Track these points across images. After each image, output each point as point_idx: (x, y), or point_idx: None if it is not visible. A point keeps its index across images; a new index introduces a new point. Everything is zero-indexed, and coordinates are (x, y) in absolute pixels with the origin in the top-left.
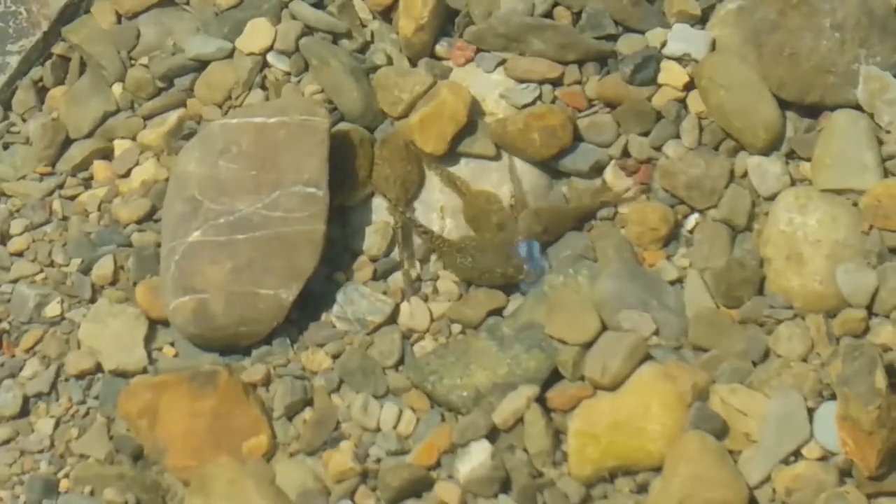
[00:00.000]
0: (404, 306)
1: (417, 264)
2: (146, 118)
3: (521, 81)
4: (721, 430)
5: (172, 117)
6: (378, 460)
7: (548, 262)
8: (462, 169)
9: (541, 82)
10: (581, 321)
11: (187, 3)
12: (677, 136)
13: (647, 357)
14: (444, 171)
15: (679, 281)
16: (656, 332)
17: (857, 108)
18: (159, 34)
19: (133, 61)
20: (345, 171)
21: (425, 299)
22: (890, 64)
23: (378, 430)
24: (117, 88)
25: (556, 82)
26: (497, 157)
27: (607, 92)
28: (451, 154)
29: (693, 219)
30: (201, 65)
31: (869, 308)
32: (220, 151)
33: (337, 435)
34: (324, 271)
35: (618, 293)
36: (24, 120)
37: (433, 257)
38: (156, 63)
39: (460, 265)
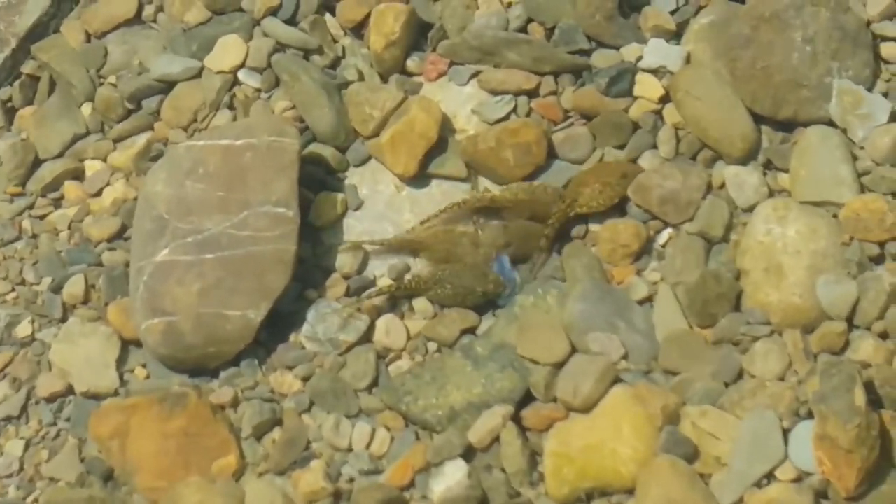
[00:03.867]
0: (380, 323)
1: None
2: (116, 141)
3: (496, 93)
4: (692, 455)
5: (141, 140)
6: (350, 480)
7: (519, 275)
8: (433, 190)
9: (516, 94)
10: (551, 342)
11: (155, 22)
12: (654, 147)
13: (618, 380)
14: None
15: (649, 299)
16: (625, 357)
17: (830, 124)
18: (126, 53)
19: (102, 80)
20: None
21: (401, 317)
22: (862, 78)
23: (350, 449)
24: (87, 108)
25: (532, 93)
26: (468, 179)
27: (583, 102)
28: (422, 175)
29: (666, 233)
30: (168, 85)
31: (849, 320)
32: (187, 172)
33: (307, 454)
34: (295, 290)
35: (586, 315)
36: None
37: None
38: (123, 83)
39: (441, 295)
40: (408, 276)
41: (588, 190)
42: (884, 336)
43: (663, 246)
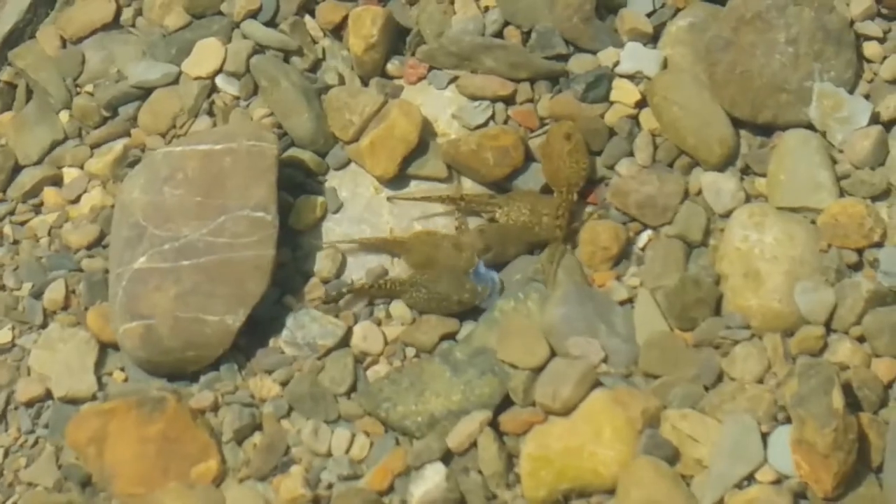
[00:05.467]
0: (357, 329)
1: None
2: (93, 147)
3: (474, 98)
4: (672, 457)
5: (118, 146)
6: (330, 486)
7: (497, 277)
8: (413, 191)
9: (493, 100)
10: (531, 346)
11: (133, 26)
12: (630, 154)
13: (598, 383)
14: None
15: (629, 301)
16: (605, 360)
17: (810, 127)
18: (104, 60)
19: (79, 89)
20: None
21: (378, 323)
22: (844, 79)
23: (329, 454)
24: (64, 116)
25: (509, 100)
26: (449, 179)
27: (559, 110)
28: (402, 176)
29: (646, 235)
30: (145, 92)
31: (827, 325)
32: (165, 178)
33: (287, 460)
34: (274, 295)
35: (566, 319)
36: None
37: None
38: (100, 91)
39: (416, 298)
40: (385, 278)
41: (564, 166)
42: (861, 340)
43: (643, 249)
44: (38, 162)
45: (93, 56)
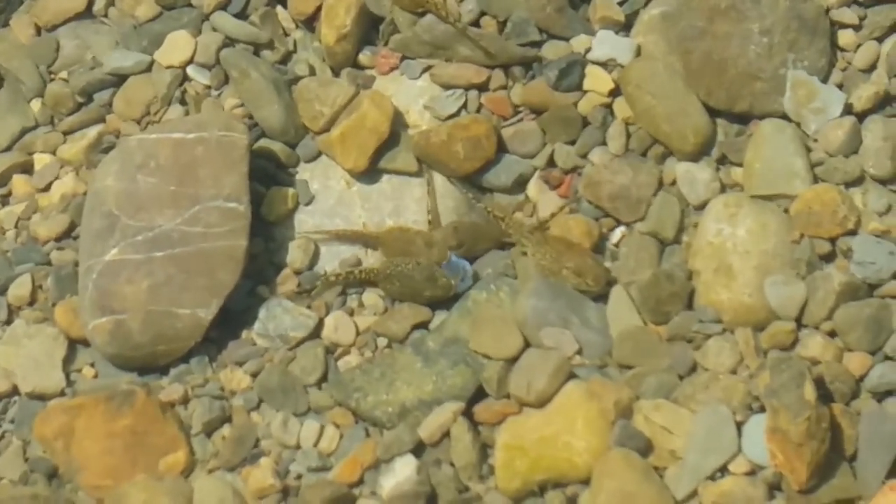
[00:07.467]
0: (329, 320)
1: None
2: (66, 133)
3: (447, 87)
4: (645, 448)
5: (92, 132)
6: (299, 477)
7: (469, 266)
8: (384, 185)
9: (467, 88)
10: (504, 337)
11: (105, 16)
12: (604, 143)
13: (572, 375)
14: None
15: (603, 297)
16: (579, 352)
17: (785, 117)
18: (78, 48)
19: (52, 75)
20: None
21: (351, 313)
22: (818, 67)
23: (298, 447)
24: (36, 104)
25: (482, 87)
26: (420, 174)
27: (532, 97)
28: (373, 170)
29: (619, 231)
30: (120, 79)
31: (798, 320)
32: (139, 166)
33: (257, 452)
34: (246, 285)
35: (538, 311)
36: None
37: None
38: (75, 77)
39: (389, 290)
40: (359, 268)
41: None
42: (832, 335)
43: (616, 245)
44: (8, 149)
45: (67, 44)
